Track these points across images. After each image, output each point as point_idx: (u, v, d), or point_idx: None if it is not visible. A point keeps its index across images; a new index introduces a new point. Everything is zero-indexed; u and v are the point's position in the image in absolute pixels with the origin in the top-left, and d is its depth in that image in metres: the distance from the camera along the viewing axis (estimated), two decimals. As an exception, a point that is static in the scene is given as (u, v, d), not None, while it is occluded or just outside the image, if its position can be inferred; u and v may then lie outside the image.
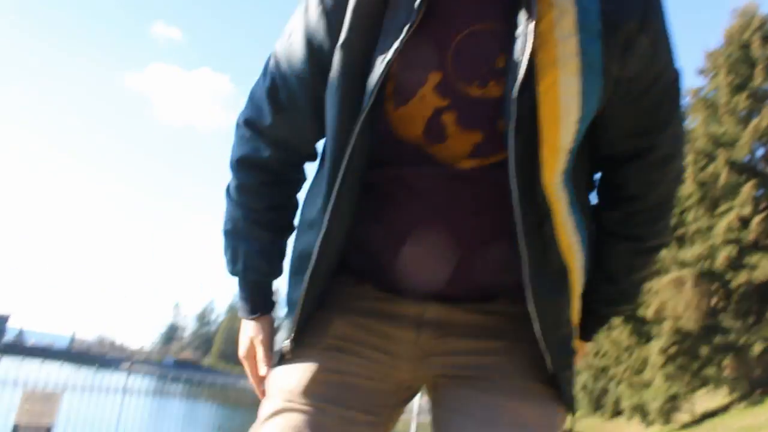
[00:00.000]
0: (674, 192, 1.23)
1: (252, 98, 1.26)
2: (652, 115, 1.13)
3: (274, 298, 1.36)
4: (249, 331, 1.33)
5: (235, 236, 1.30)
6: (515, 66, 0.99)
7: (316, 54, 1.11)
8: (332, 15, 1.08)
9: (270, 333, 1.32)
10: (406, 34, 1.01)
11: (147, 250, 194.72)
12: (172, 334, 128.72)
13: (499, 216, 1.07)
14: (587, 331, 1.31)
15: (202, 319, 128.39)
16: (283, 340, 1.20)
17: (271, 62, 1.21)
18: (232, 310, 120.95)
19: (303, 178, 1.33)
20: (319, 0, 1.10)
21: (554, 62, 0.99)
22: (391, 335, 1.18)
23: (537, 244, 1.06)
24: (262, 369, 1.28)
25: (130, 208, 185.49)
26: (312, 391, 1.13)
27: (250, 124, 1.25)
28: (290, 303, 1.20)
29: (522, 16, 1.00)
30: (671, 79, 1.12)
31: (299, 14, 1.15)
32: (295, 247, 1.25)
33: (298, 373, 1.15)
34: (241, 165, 1.27)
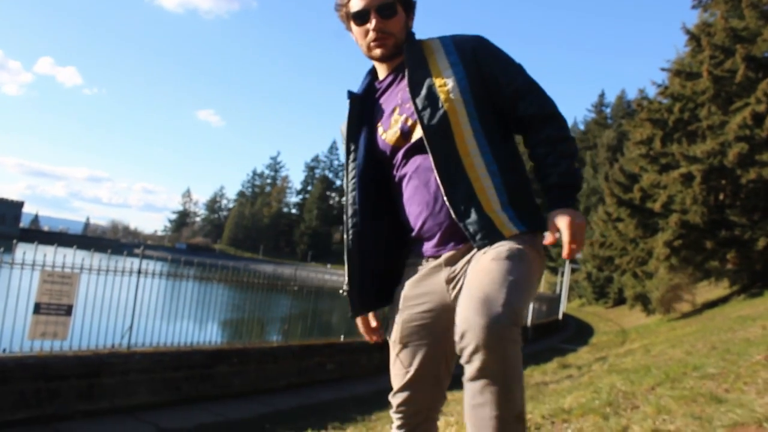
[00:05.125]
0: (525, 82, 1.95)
1: None
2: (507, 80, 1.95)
3: None
4: None
5: None
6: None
7: None
8: None
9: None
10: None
11: (155, 138, 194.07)
12: (182, 220, 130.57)
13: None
14: (557, 198, 1.80)
15: (213, 205, 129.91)
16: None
17: None
18: (241, 197, 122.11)
19: None
20: None
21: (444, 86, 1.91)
22: None
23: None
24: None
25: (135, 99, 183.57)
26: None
27: None
28: None
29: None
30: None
31: None
32: None
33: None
34: None
